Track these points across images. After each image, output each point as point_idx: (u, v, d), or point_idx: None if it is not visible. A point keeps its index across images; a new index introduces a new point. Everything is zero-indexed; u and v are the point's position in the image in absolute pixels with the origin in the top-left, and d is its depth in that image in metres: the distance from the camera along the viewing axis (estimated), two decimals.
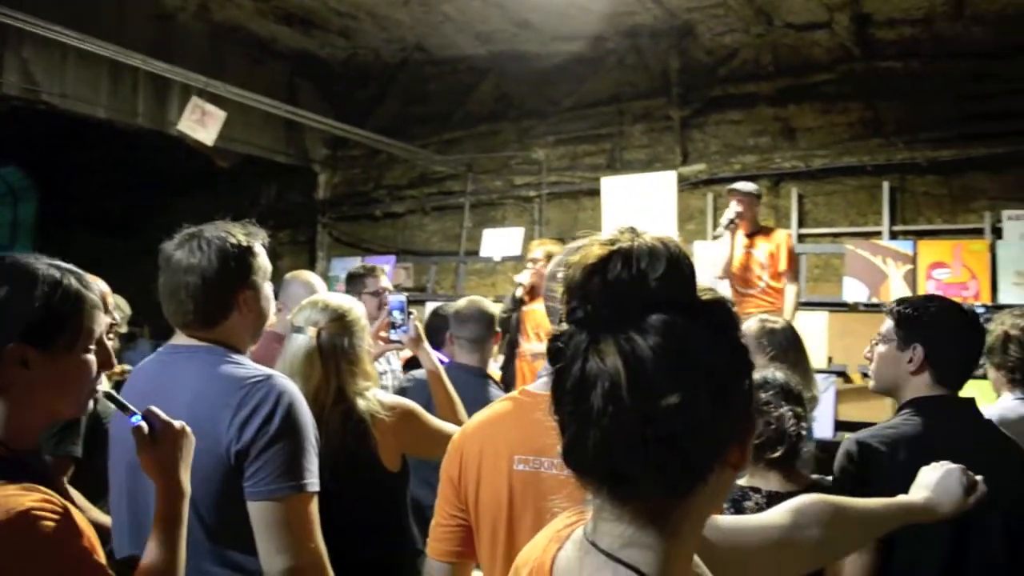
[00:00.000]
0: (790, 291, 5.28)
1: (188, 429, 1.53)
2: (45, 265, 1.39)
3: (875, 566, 1.85)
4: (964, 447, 1.94)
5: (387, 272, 4.28)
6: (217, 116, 5.87)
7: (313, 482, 1.74)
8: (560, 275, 0.90)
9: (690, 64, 7.12)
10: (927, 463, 1.56)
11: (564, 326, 0.87)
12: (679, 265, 0.85)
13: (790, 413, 2.09)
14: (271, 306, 2.01)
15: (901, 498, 1.51)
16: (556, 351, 0.87)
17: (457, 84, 8.07)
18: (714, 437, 0.84)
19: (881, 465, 1.94)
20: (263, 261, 1.94)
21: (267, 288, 1.96)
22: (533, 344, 4.97)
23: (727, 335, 0.88)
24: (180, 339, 1.88)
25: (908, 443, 1.91)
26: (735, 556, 1.13)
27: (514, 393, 1.65)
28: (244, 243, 1.88)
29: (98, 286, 1.56)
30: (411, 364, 3.73)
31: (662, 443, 0.81)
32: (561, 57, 7.37)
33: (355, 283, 3.93)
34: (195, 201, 8.66)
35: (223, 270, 1.83)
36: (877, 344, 2.18)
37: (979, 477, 1.53)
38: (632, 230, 0.89)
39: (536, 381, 1.63)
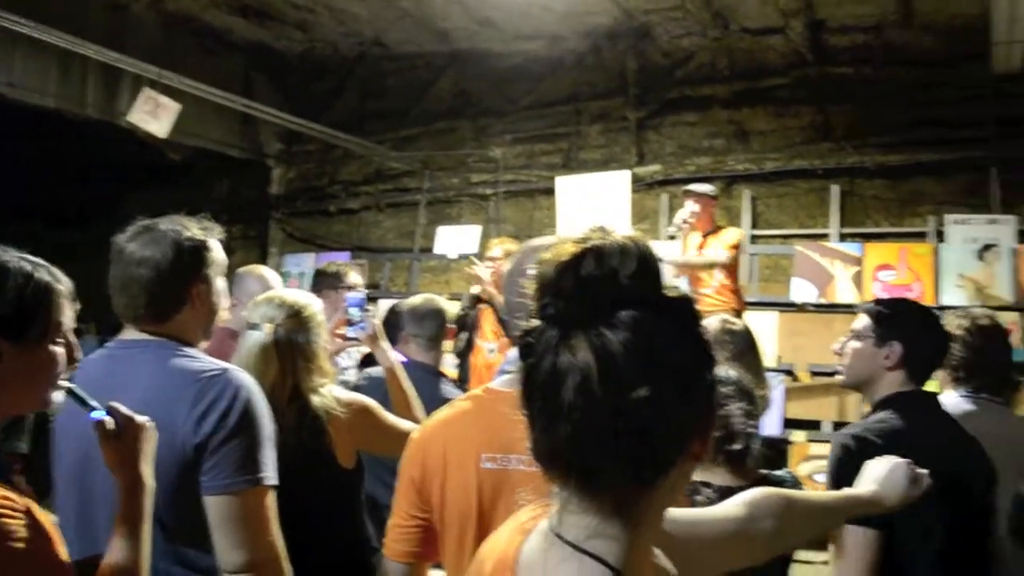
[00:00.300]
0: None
1: (151, 424, 1.52)
2: (15, 258, 1.40)
3: (878, 543, 1.90)
4: (942, 439, 2.08)
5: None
6: (170, 108, 5.76)
7: (271, 476, 1.73)
8: (531, 272, 0.91)
9: (647, 66, 7.19)
10: (918, 455, 1.64)
11: (535, 322, 0.89)
12: (648, 263, 0.88)
13: (739, 411, 2.13)
14: (224, 301, 1.99)
15: (850, 491, 1.57)
16: (527, 346, 0.88)
17: (415, 80, 8.04)
18: (680, 429, 0.87)
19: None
20: (218, 255, 1.93)
21: (220, 283, 1.95)
22: (491, 342, 4.98)
23: (692, 331, 0.91)
24: (130, 333, 1.85)
25: (898, 436, 1.98)
26: (692, 547, 1.16)
27: (476, 391, 1.64)
28: (199, 237, 1.86)
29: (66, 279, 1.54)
30: (367, 362, 3.71)
31: (632, 435, 0.83)
32: (520, 56, 7.38)
33: (328, 280, 3.84)
34: (146, 194, 8.53)
35: (177, 263, 1.81)
36: (851, 340, 2.25)
37: (924, 471, 1.59)
38: (602, 229, 0.91)
39: (498, 379, 1.64)
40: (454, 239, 7.10)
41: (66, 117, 6.77)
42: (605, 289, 0.86)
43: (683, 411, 0.86)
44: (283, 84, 8.27)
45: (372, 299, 6.64)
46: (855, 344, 2.23)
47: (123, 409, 1.50)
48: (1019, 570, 2.14)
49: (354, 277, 3.82)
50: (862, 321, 2.24)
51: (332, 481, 2.24)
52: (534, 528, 0.94)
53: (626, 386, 0.82)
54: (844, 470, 2.07)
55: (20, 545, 1.21)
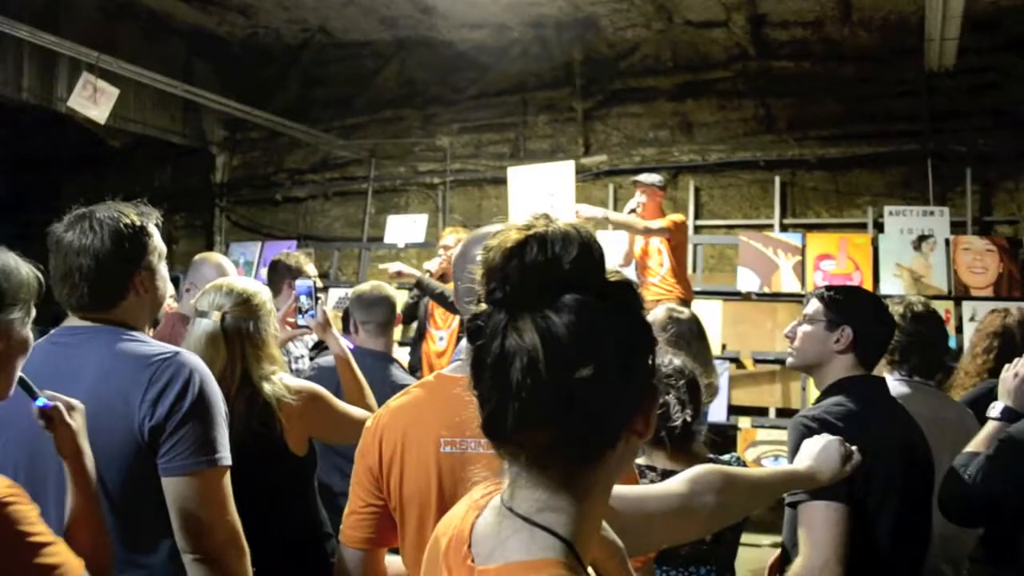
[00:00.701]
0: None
1: (80, 404, 1.56)
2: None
3: (844, 517, 1.93)
4: (895, 421, 2.15)
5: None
6: (110, 93, 5.62)
7: (226, 456, 1.74)
8: (479, 258, 0.94)
9: (593, 57, 7.24)
10: (874, 435, 1.73)
11: (483, 306, 0.92)
12: (590, 249, 0.91)
13: (680, 396, 2.18)
14: (167, 287, 1.97)
15: (786, 467, 1.67)
16: (476, 329, 0.92)
17: (361, 68, 7.98)
18: (622, 407, 0.91)
19: None
20: (158, 241, 1.91)
21: (163, 268, 1.93)
22: (442, 330, 4.99)
23: (633, 313, 0.95)
24: (74, 321, 1.82)
25: (856, 418, 2.04)
26: (638, 521, 1.22)
27: (428, 378, 1.65)
28: (138, 223, 1.84)
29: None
30: (318, 348, 3.70)
31: (577, 412, 0.87)
32: (466, 45, 7.37)
33: (287, 271, 3.80)
34: (85, 182, 8.34)
35: (117, 251, 1.78)
36: (802, 324, 2.28)
37: (854, 448, 1.67)
38: (546, 216, 0.94)
39: (451, 365, 1.65)
40: (403, 228, 7.09)
41: (1, 102, 6.57)
42: (549, 274, 0.89)
43: (625, 389, 0.90)
44: (226, 70, 8.13)
45: (322, 288, 6.63)
46: (806, 328, 2.27)
47: (60, 396, 1.54)
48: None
49: (310, 268, 3.82)
50: (813, 305, 2.28)
51: (283, 468, 2.23)
52: (487, 504, 0.98)
53: (570, 366, 0.86)
54: None
55: (38, 529, 1.31)
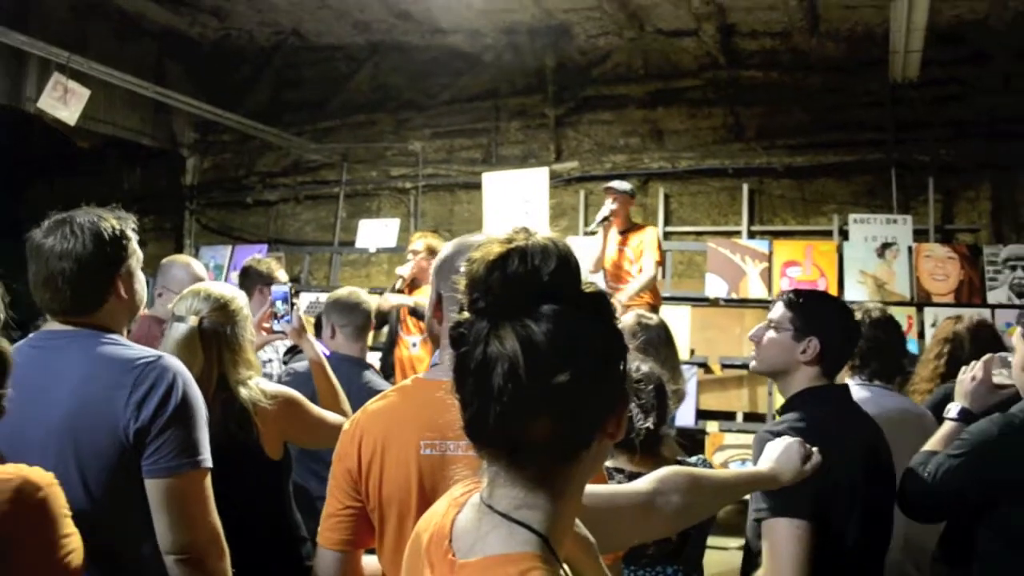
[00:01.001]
0: (647, 276, 5.12)
1: None
2: None
3: (808, 535, 1.94)
4: (860, 430, 2.17)
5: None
6: (80, 94, 5.58)
7: (208, 458, 1.79)
8: (463, 269, 1.00)
9: (565, 64, 7.31)
10: (840, 448, 1.75)
11: (465, 314, 0.98)
12: (568, 262, 0.98)
13: (646, 402, 2.22)
14: (145, 291, 2.01)
15: (750, 468, 1.72)
16: (459, 337, 0.97)
17: (334, 72, 7.98)
18: (596, 410, 0.98)
19: None
20: (136, 246, 1.95)
21: (140, 273, 1.97)
22: (414, 336, 5.01)
23: (606, 322, 1.01)
24: (54, 326, 1.85)
25: (817, 433, 1.96)
26: (607, 517, 1.29)
27: (406, 382, 1.68)
28: (118, 228, 1.88)
29: None
30: (291, 353, 3.71)
31: (554, 415, 0.94)
32: (440, 50, 7.41)
33: (258, 277, 3.80)
34: (53, 183, 8.25)
35: (99, 255, 1.81)
36: (768, 329, 2.26)
37: (815, 448, 1.72)
38: (526, 230, 1.01)
39: (429, 370, 1.69)
40: (375, 233, 7.09)
41: None
42: (529, 285, 0.95)
43: (599, 394, 0.97)
44: (197, 72, 8.09)
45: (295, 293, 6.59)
46: (772, 335, 2.25)
47: None
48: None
49: (281, 274, 3.83)
50: (780, 311, 2.25)
51: (259, 472, 2.26)
52: (467, 501, 1.04)
53: (549, 372, 0.92)
54: None
55: (67, 512, 1.46)
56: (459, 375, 0.97)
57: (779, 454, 1.68)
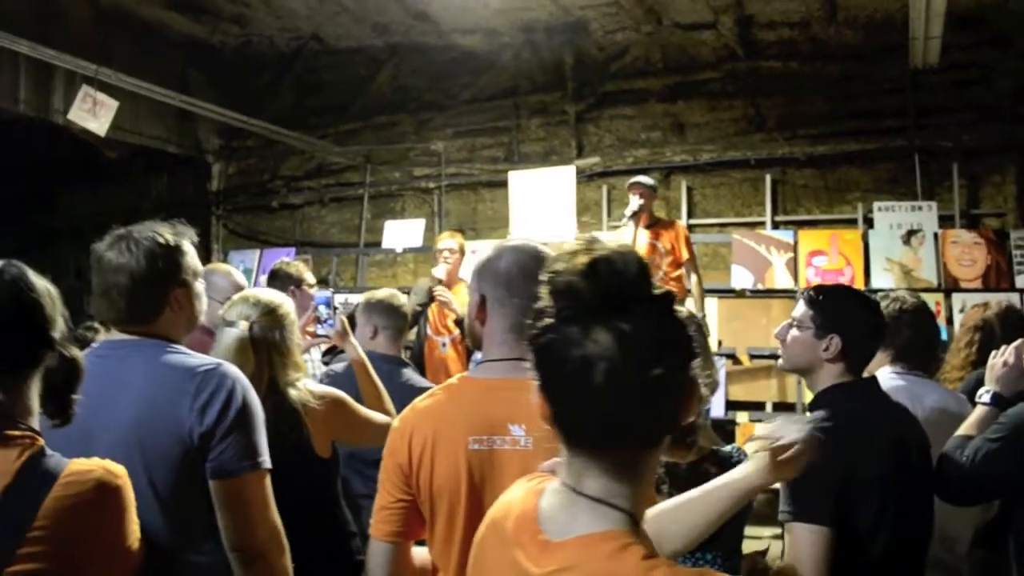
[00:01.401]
0: (695, 281, 5.43)
1: None
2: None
3: (826, 540, 1.93)
4: (887, 425, 2.13)
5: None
6: (109, 105, 5.70)
7: (267, 459, 1.87)
8: (543, 278, 1.08)
9: (583, 60, 7.34)
10: (865, 448, 1.79)
11: (548, 321, 1.06)
12: (645, 266, 1.08)
13: None
14: (203, 303, 2.07)
15: (722, 479, 1.66)
16: (548, 343, 1.05)
17: (354, 75, 8.05)
18: (681, 399, 1.07)
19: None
20: (192, 260, 2.01)
21: (198, 286, 2.03)
22: (443, 336, 5.07)
23: (676, 316, 1.09)
24: (115, 335, 1.93)
25: (845, 430, 1.99)
26: None
27: (452, 381, 1.75)
28: (172, 242, 1.95)
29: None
30: (331, 355, 3.78)
31: (651, 407, 1.03)
32: (458, 50, 7.45)
33: (286, 280, 3.86)
34: (82, 193, 8.39)
35: (151, 270, 1.89)
36: (791, 328, 2.26)
37: (796, 440, 1.68)
38: (593, 238, 1.10)
39: (475, 368, 1.75)
40: (401, 233, 7.16)
41: None
42: (618, 290, 1.03)
43: (681, 383, 1.06)
44: (220, 80, 8.18)
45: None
46: (795, 333, 2.24)
47: None
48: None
49: (309, 276, 3.91)
50: (801, 309, 2.24)
51: (310, 471, 2.34)
52: (544, 489, 1.13)
53: (645, 367, 1.01)
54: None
55: (134, 506, 1.54)
56: (552, 378, 1.06)
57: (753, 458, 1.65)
